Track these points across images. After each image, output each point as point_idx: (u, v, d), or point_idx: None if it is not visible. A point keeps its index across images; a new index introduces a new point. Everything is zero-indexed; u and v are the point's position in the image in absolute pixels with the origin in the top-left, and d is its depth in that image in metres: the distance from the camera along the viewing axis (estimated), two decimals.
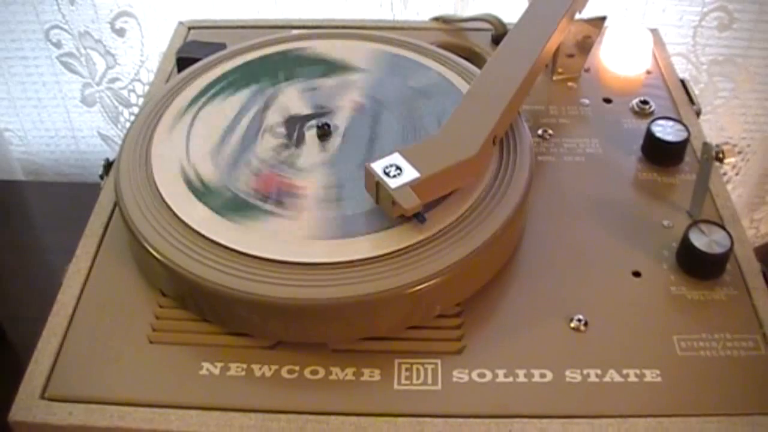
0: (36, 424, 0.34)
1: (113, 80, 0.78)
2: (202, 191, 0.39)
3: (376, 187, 0.36)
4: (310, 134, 0.43)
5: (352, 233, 0.37)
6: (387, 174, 0.36)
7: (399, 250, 0.36)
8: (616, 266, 0.40)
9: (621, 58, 0.52)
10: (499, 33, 0.55)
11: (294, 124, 0.43)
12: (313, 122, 0.43)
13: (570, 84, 0.51)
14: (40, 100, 0.81)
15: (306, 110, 0.44)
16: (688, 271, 0.39)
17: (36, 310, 0.39)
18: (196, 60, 0.49)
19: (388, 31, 0.52)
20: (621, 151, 0.46)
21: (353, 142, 0.42)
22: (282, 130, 0.43)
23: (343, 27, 0.55)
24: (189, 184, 0.40)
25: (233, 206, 0.38)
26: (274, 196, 0.39)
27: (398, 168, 0.36)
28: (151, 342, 0.36)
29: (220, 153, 0.41)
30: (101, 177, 0.46)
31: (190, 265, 0.36)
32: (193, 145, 0.42)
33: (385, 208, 0.36)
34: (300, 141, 0.42)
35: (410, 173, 0.36)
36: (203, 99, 0.45)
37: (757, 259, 0.40)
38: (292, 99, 0.45)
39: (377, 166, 0.36)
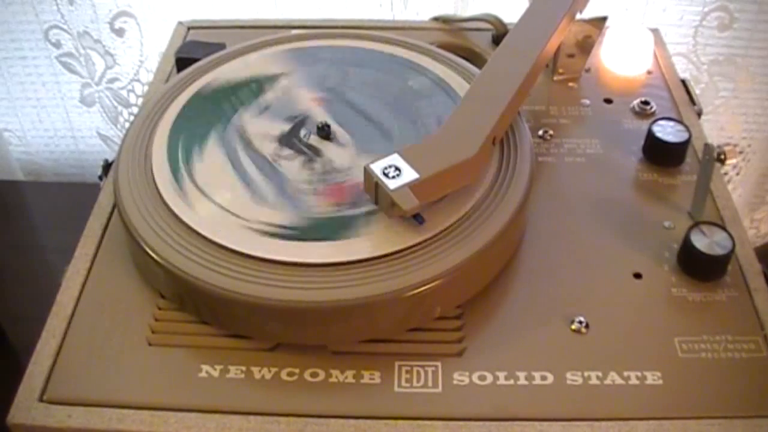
0: (35, 427, 0.34)
1: (112, 80, 0.78)
2: (201, 192, 0.39)
3: (375, 188, 0.36)
4: (310, 133, 0.42)
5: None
6: (386, 175, 0.36)
7: (399, 252, 0.36)
8: (617, 268, 0.39)
9: (622, 59, 0.52)
10: (499, 33, 0.54)
11: (295, 122, 0.43)
12: (316, 122, 0.43)
13: (570, 84, 0.51)
14: (40, 100, 0.81)
15: (309, 109, 0.44)
16: (690, 273, 0.39)
17: (36, 311, 0.39)
18: (195, 60, 0.49)
19: (387, 31, 0.52)
20: (622, 151, 0.46)
21: (350, 142, 0.42)
22: (282, 127, 0.43)
23: (343, 27, 0.55)
24: (188, 184, 0.39)
25: (228, 205, 0.38)
26: (353, 200, 0.38)
27: (397, 169, 0.36)
28: (149, 344, 0.36)
29: (217, 144, 0.41)
30: (100, 178, 0.46)
31: (189, 267, 0.35)
32: (192, 146, 0.42)
33: (384, 209, 0.36)
34: (297, 139, 0.42)
35: (409, 174, 0.36)
36: (203, 97, 0.45)
37: (757, 259, 0.40)
38: (293, 98, 0.45)
39: (376, 167, 0.36)
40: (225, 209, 0.38)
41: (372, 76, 0.47)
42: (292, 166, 0.41)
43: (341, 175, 0.40)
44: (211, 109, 0.44)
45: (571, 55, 0.51)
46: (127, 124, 0.81)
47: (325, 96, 0.45)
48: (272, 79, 0.46)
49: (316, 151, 0.42)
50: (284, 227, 0.37)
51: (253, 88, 0.46)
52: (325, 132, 0.42)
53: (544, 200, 0.43)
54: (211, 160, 0.41)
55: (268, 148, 0.42)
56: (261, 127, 0.43)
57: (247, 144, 0.42)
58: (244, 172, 0.40)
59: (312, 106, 0.45)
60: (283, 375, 0.35)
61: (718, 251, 0.38)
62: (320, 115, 0.44)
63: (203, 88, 0.46)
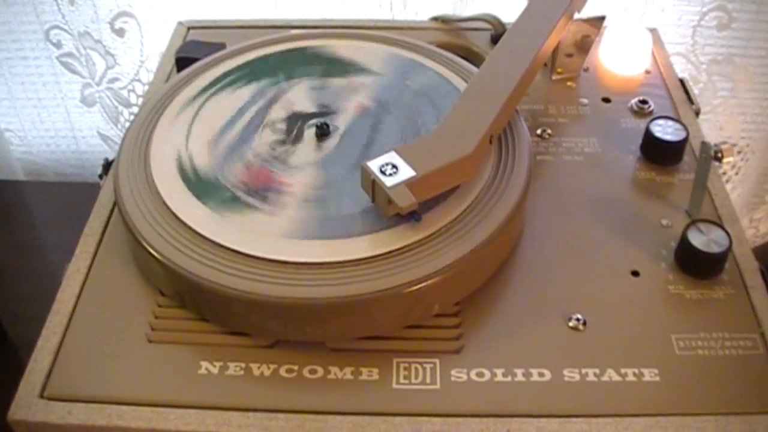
0: (35, 423, 0.34)
1: (113, 80, 0.78)
2: (200, 191, 0.39)
3: (372, 185, 0.36)
4: (309, 132, 0.43)
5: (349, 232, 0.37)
6: (383, 172, 0.36)
7: (397, 249, 0.36)
8: (614, 265, 0.40)
9: (620, 58, 0.52)
10: (498, 33, 0.55)
11: (295, 122, 0.43)
12: (314, 121, 0.43)
13: (569, 83, 0.51)
14: (40, 100, 0.81)
15: (309, 108, 0.44)
16: (687, 271, 0.39)
17: (36, 310, 0.39)
18: (195, 60, 0.49)
19: (387, 30, 0.52)
20: (620, 150, 0.46)
21: (350, 142, 0.42)
22: (282, 127, 0.43)
23: (343, 27, 0.55)
24: (188, 183, 0.40)
25: (228, 203, 0.38)
26: (261, 191, 0.39)
27: (394, 167, 0.36)
28: (150, 341, 0.36)
29: (217, 144, 0.42)
30: (100, 177, 0.46)
31: (188, 265, 0.36)
32: (192, 145, 0.42)
33: (381, 207, 0.37)
34: (298, 139, 0.42)
35: (406, 172, 0.36)
36: (203, 97, 0.45)
37: (756, 259, 0.40)
38: (293, 97, 0.45)
39: (373, 165, 0.36)
40: (225, 207, 0.38)
41: (371, 75, 0.47)
42: (291, 164, 0.41)
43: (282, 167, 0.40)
44: (211, 108, 0.44)
45: (569, 55, 0.51)
46: (127, 124, 0.82)
47: (326, 95, 0.45)
48: (272, 78, 0.47)
49: (317, 150, 0.42)
50: (284, 226, 0.37)
51: (254, 87, 0.46)
52: (323, 131, 0.43)
53: (542, 198, 0.43)
54: (211, 159, 0.41)
55: (268, 146, 0.42)
56: (261, 126, 0.43)
57: (248, 142, 0.42)
58: (245, 170, 0.40)
59: (313, 105, 0.45)
60: (282, 372, 0.35)
61: (716, 249, 0.38)
62: (321, 115, 0.44)
63: (202, 86, 0.46)
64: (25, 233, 0.75)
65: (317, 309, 0.34)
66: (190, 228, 0.37)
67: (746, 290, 0.38)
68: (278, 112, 0.44)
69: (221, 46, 0.51)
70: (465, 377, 0.35)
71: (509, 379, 0.35)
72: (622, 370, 0.35)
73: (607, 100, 0.50)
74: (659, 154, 0.45)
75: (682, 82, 0.51)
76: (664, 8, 0.69)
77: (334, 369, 0.35)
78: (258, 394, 0.34)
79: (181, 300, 0.37)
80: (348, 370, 0.35)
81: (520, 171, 0.40)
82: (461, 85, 0.45)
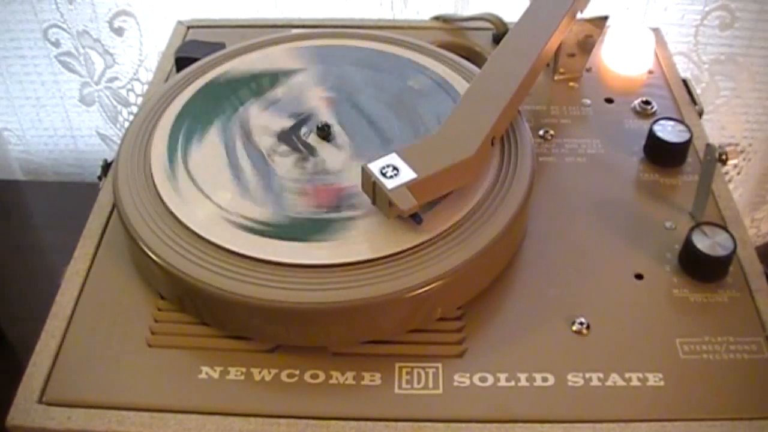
0: (34, 429, 0.33)
1: (112, 79, 0.78)
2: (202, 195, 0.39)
3: (372, 187, 0.36)
4: (314, 139, 0.42)
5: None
6: (384, 174, 0.36)
7: (400, 253, 0.36)
8: (618, 268, 0.39)
9: (623, 58, 0.52)
10: (499, 32, 0.54)
11: (294, 134, 0.43)
12: (308, 128, 0.43)
13: (571, 84, 0.51)
14: (39, 99, 0.81)
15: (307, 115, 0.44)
16: (691, 274, 0.39)
17: (35, 310, 0.39)
18: (195, 60, 0.48)
19: (388, 30, 0.52)
20: (623, 151, 0.46)
21: (360, 134, 0.42)
22: (285, 146, 0.42)
23: (343, 26, 0.54)
24: (188, 186, 0.39)
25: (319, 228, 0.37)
26: (340, 204, 0.38)
27: (395, 168, 0.36)
28: (149, 346, 0.36)
29: (238, 187, 0.40)
30: (99, 178, 0.46)
31: (188, 268, 0.35)
32: (192, 146, 0.42)
33: (382, 209, 0.36)
34: (311, 149, 0.42)
35: (407, 174, 0.36)
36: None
37: (759, 259, 0.40)
38: (296, 102, 0.45)
39: (374, 167, 0.36)
40: (225, 210, 0.38)
41: (374, 76, 0.46)
42: (290, 166, 0.40)
43: (333, 177, 0.40)
44: (210, 109, 0.44)
45: (572, 55, 0.50)
46: (126, 124, 0.81)
47: (327, 96, 0.45)
48: (272, 78, 0.46)
49: (313, 151, 0.41)
50: (284, 228, 0.37)
51: (253, 87, 0.46)
52: (325, 132, 0.42)
53: (545, 200, 0.43)
54: (211, 161, 0.41)
55: (268, 147, 0.42)
56: (261, 128, 0.43)
57: (247, 145, 0.42)
58: (245, 173, 0.40)
59: (313, 105, 0.44)
60: (283, 376, 0.35)
61: (720, 252, 0.38)
62: (322, 115, 0.44)
63: (202, 86, 0.46)
64: (24, 233, 0.75)
65: (319, 313, 0.34)
66: (190, 231, 0.37)
67: (751, 294, 0.38)
68: (279, 113, 0.44)
69: (221, 45, 0.50)
70: (468, 382, 0.35)
71: (512, 383, 0.35)
72: (627, 375, 0.35)
73: (609, 100, 0.50)
74: (663, 156, 0.45)
75: (685, 82, 0.51)
76: (666, 8, 0.69)
77: (335, 374, 0.35)
78: (259, 399, 0.34)
79: (182, 304, 0.37)
80: (350, 374, 0.35)
81: (523, 173, 0.40)
82: (462, 85, 0.45)
